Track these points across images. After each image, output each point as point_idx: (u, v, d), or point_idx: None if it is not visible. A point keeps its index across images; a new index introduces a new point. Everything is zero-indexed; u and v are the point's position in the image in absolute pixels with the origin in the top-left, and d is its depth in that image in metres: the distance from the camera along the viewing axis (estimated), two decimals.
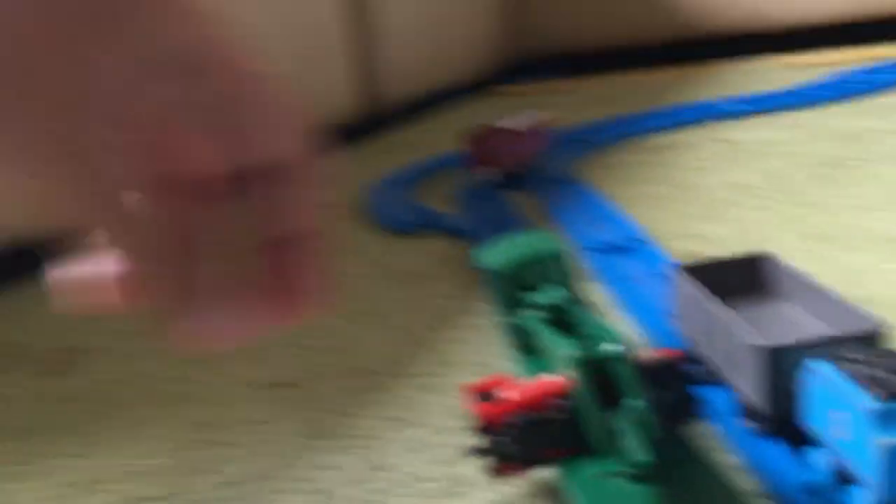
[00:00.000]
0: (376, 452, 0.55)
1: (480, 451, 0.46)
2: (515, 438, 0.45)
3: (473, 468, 0.52)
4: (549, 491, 0.50)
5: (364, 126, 1.75)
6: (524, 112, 1.34)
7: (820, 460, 0.43)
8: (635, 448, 0.41)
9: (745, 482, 0.46)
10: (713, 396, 0.57)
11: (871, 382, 0.39)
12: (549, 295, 0.56)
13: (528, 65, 2.32)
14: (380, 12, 1.78)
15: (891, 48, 1.75)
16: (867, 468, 0.38)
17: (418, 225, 1.03)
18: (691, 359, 0.46)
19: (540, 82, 2.22)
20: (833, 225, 0.86)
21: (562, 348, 0.46)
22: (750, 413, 0.51)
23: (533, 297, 0.57)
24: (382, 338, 0.74)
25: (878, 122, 1.24)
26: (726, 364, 0.52)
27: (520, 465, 0.46)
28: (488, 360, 0.67)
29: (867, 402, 0.38)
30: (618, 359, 0.43)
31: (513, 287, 0.59)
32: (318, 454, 0.56)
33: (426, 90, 1.91)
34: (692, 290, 0.56)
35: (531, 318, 0.56)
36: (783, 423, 0.47)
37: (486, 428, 0.46)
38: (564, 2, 2.41)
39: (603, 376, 0.44)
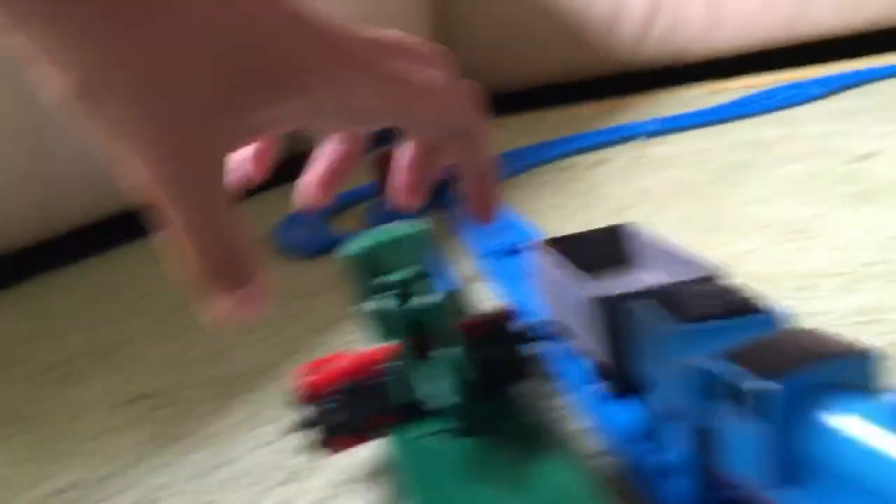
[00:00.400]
0: (223, 451, 0.52)
1: (305, 424, 0.44)
2: (341, 405, 0.43)
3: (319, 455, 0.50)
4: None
5: (286, 169, 1.74)
6: None
7: (649, 407, 0.41)
8: (445, 392, 0.39)
9: (583, 442, 0.45)
10: (563, 362, 0.56)
11: (676, 309, 0.37)
12: (399, 273, 0.54)
13: None
14: None
15: (794, 73, 1.84)
16: (678, 397, 0.36)
17: (320, 249, 1.02)
18: (521, 316, 0.44)
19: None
20: (724, 216, 0.88)
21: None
22: (600, 373, 0.49)
23: (385, 279, 0.55)
24: (257, 348, 0.71)
25: (773, 131, 1.31)
26: (577, 327, 0.50)
27: (349, 436, 0.44)
28: None
29: (670, 326, 0.36)
30: (432, 311, 0.41)
31: (367, 272, 0.57)
32: (160, 457, 0.53)
33: None
34: (547, 261, 0.55)
35: (384, 300, 0.54)
36: (628, 378, 0.45)
37: (311, 398, 0.43)
38: (489, 42, 2.45)
39: (424, 334, 0.42)
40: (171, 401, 0.62)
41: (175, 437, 0.56)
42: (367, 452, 0.49)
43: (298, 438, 0.53)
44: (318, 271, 0.95)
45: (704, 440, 0.35)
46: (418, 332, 0.41)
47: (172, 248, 0.33)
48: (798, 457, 0.29)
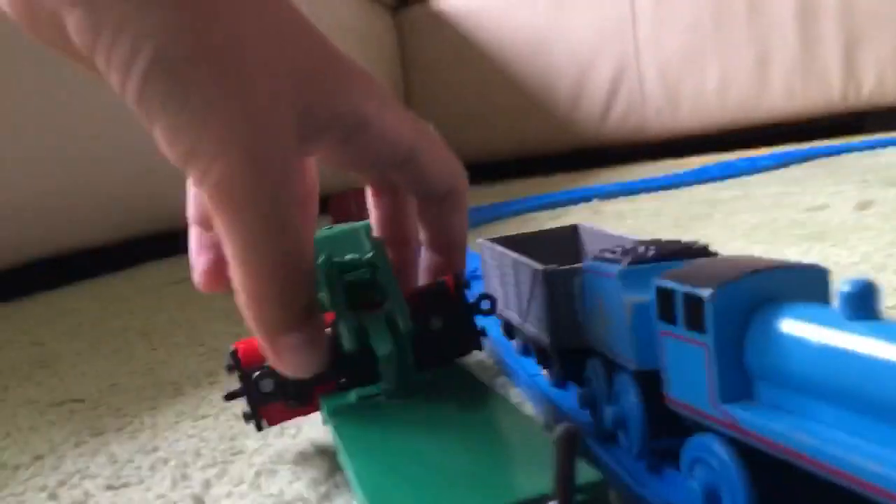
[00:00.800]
0: (145, 443, 0.49)
1: (235, 394, 0.41)
2: (268, 374, 0.40)
3: (252, 439, 0.47)
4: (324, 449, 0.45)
5: None
6: None
7: (590, 376, 0.39)
8: (378, 343, 0.36)
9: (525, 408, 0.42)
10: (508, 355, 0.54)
11: (615, 256, 0.36)
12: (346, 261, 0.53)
13: None
14: None
15: (748, 153, 1.94)
16: (624, 345, 0.34)
17: None
18: (467, 285, 0.42)
19: None
20: None
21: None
22: (541, 360, 0.47)
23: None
24: (190, 361, 0.68)
25: (729, 192, 1.35)
26: (521, 311, 0.48)
27: (278, 408, 0.41)
28: None
29: (612, 269, 0.35)
30: (366, 266, 0.39)
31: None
32: (86, 448, 0.49)
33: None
34: (492, 253, 0.53)
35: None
36: (569, 362, 0.44)
37: (241, 367, 0.41)
38: (455, 115, 2.50)
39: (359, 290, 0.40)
40: (98, 404, 0.59)
41: (98, 431, 0.52)
42: (299, 435, 0.47)
43: (225, 425, 0.50)
44: None
45: (648, 384, 0.34)
46: (354, 289, 0.39)
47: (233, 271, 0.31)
48: (743, 369, 0.27)
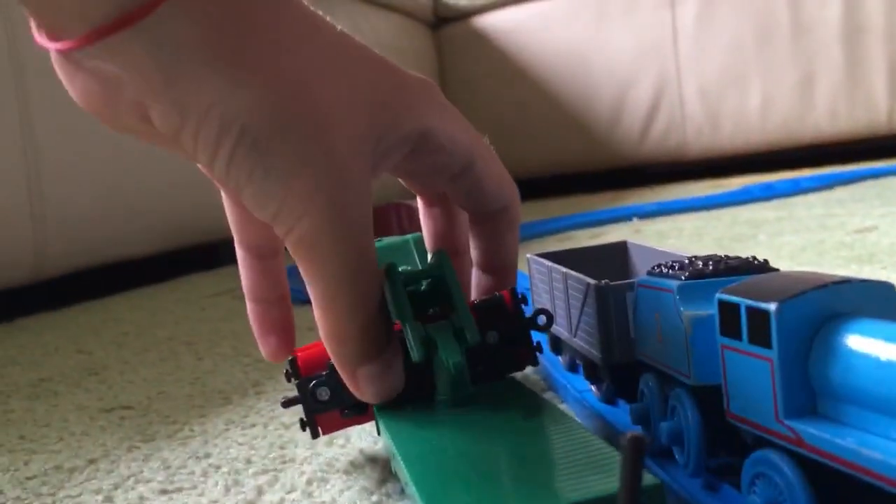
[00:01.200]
0: (197, 449, 0.50)
1: (292, 401, 0.42)
2: (324, 382, 0.40)
3: (302, 448, 0.47)
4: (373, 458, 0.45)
5: None
6: None
7: (643, 391, 0.39)
8: (448, 353, 0.36)
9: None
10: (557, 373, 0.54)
11: (673, 271, 0.36)
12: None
13: None
14: None
15: (790, 174, 1.91)
16: (682, 360, 0.34)
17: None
18: (524, 300, 0.42)
19: None
20: None
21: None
22: (591, 377, 0.47)
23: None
24: (237, 371, 0.69)
25: (772, 213, 1.34)
26: (570, 326, 0.48)
27: (334, 416, 0.41)
28: None
29: (671, 284, 0.35)
30: (427, 276, 0.40)
31: None
32: (139, 453, 0.50)
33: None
34: (541, 268, 0.53)
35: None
36: (620, 378, 0.44)
37: (298, 375, 0.41)
38: (494, 132, 2.49)
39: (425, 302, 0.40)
40: (148, 411, 0.60)
41: (149, 437, 0.53)
42: (352, 444, 0.47)
43: (274, 434, 0.51)
44: (305, 314, 0.93)
45: (705, 399, 0.33)
46: (416, 300, 0.39)
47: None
48: (808, 384, 0.27)
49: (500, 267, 0.43)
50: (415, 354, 0.36)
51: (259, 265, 0.41)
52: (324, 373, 0.40)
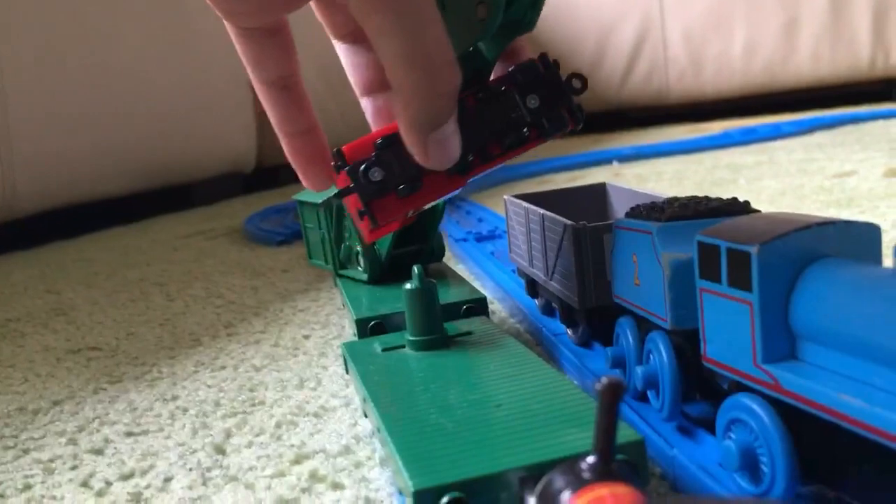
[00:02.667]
0: (170, 388, 0.49)
1: (345, 192, 0.38)
2: (378, 160, 0.37)
3: (272, 391, 0.46)
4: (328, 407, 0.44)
5: (262, 177, 1.72)
6: None
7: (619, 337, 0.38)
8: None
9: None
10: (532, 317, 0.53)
11: (651, 213, 0.35)
12: None
13: None
14: None
15: (771, 118, 1.90)
16: (659, 303, 0.33)
17: (286, 236, 0.99)
18: (557, 64, 0.40)
19: None
20: None
21: None
22: (567, 320, 0.46)
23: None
24: (209, 313, 0.68)
25: (752, 158, 1.33)
26: (546, 269, 0.47)
27: (393, 199, 0.38)
28: (319, 320, 0.61)
29: (650, 226, 0.34)
30: None
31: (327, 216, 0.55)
32: (105, 395, 0.49)
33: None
34: (518, 209, 0.52)
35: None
36: (601, 319, 0.43)
37: (346, 161, 0.38)
38: None
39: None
40: (116, 352, 0.58)
41: (116, 379, 0.52)
42: (317, 395, 0.46)
43: (244, 376, 0.50)
44: (279, 256, 0.92)
45: (681, 343, 0.33)
46: None
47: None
48: (788, 328, 0.26)
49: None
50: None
51: (284, 97, 0.40)
52: (372, 154, 0.38)
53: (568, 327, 0.47)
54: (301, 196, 0.62)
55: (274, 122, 0.41)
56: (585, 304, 0.43)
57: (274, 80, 0.40)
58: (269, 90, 0.40)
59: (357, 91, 0.43)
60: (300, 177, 0.41)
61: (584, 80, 0.39)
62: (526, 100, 0.38)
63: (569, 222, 0.43)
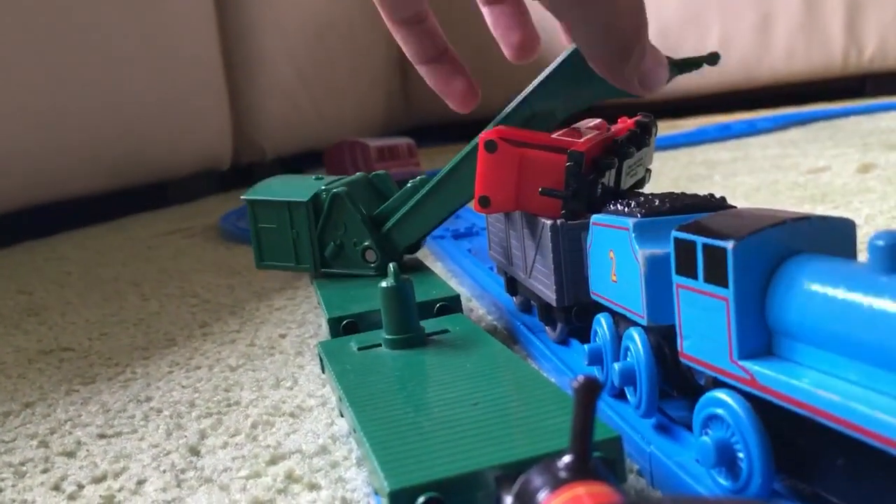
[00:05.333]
0: (143, 390, 0.48)
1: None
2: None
3: (248, 391, 0.46)
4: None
5: (238, 175, 1.71)
6: (401, 137, 1.35)
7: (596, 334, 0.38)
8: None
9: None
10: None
11: (629, 208, 0.35)
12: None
13: (417, 131, 2.34)
14: (259, 70, 1.77)
15: (746, 114, 1.91)
16: (636, 299, 0.33)
17: None
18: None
19: (429, 147, 2.23)
20: None
21: None
22: (546, 318, 0.46)
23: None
24: (183, 312, 0.67)
25: (728, 154, 1.34)
26: (525, 266, 0.47)
27: None
28: (296, 319, 0.61)
29: (626, 222, 0.34)
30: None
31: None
32: (77, 397, 0.48)
33: (308, 148, 1.89)
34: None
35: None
36: (580, 317, 0.43)
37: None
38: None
39: None
40: (89, 353, 0.58)
41: (89, 380, 0.51)
42: (292, 395, 0.46)
43: (219, 376, 0.49)
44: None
45: (659, 339, 0.33)
46: None
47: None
48: (764, 324, 0.26)
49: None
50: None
51: (415, 31, 0.46)
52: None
53: (546, 325, 0.47)
54: (254, 195, 0.57)
55: (411, 56, 0.47)
56: (563, 301, 0.42)
57: (410, 17, 0.46)
58: (404, 27, 0.46)
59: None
60: (446, 100, 0.47)
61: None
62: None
63: (547, 220, 0.42)
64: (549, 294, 0.43)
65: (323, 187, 0.54)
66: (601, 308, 0.38)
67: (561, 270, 0.42)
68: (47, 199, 1.24)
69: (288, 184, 0.57)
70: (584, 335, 0.41)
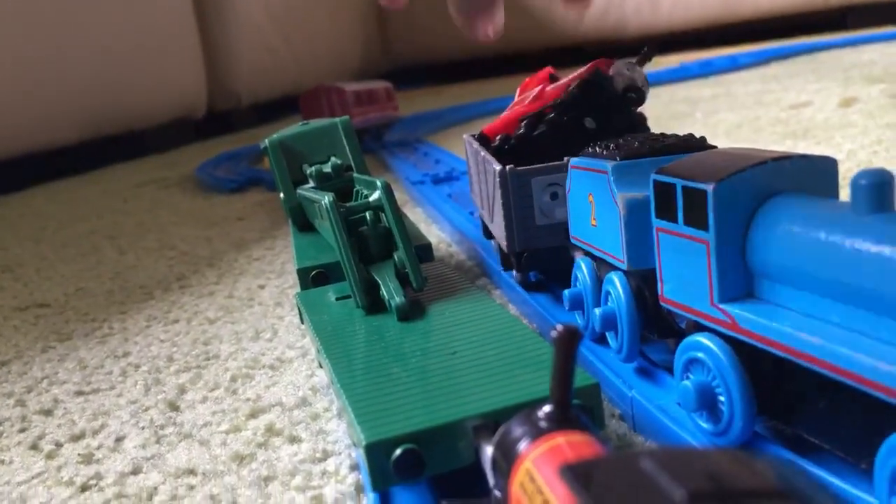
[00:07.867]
0: (121, 345, 0.47)
1: None
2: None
3: (227, 343, 0.45)
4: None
5: (214, 122, 1.68)
6: (379, 81, 1.32)
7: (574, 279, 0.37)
8: (390, 290, 0.35)
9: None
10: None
11: (607, 151, 0.34)
12: (320, 164, 0.50)
13: (395, 74, 2.30)
14: (232, 15, 1.72)
15: (727, 50, 1.89)
16: (616, 243, 0.32)
17: (240, 183, 0.97)
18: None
19: (407, 90, 2.20)
20: None
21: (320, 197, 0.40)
22: (503, 258, 0.46)
23: (306, 169, 0.51)
24: (165, 263, 0.66)
25: (709, 91, 1.33)
26: (489, 211, 0.47)
27: None
28: (275, 269, 0.60)
29: (605, 165, 0.33)
30: (373, 209, 0.38)
31: (288, 161, 0.53)
32: (53, 354, 0.47)
33: (285, 94, 1.85)
34: (471, 149, 0.51)
35: (304, 190, 0.50)
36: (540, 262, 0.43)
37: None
38: (431, 13, 2.41)
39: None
40: (65, 309, 0.57)
41: (66, 337, 0.50)
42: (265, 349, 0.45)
43: (198, 330, 0.49)
44: (233, 204, 0.90)
45: (639, 284, 0.32)
46: (366, 242, 0.38)
47: None
48: (745, 266, 0.26)
49: None
50: (359, 301, 0.36)
51: None
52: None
53: (505, 269, 0.47)
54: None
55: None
56: (514, 247, 0.42)
57: None
58: None
59: None
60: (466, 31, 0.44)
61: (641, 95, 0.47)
62: (584, 121, 0.45)
63: (497, 166, 0.41)
64: (503, 240, 0.43)
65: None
66: (553, 253, 0.37)
67: (511, 216, 0.41)
68: (19, 151, 1.22)
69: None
70: (563, 279, 0.41)
